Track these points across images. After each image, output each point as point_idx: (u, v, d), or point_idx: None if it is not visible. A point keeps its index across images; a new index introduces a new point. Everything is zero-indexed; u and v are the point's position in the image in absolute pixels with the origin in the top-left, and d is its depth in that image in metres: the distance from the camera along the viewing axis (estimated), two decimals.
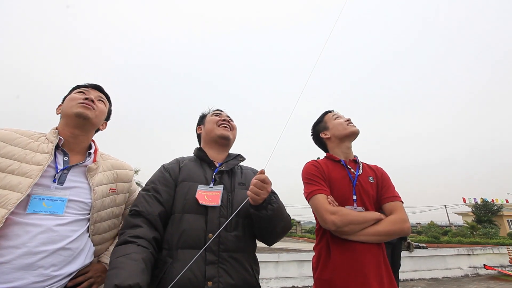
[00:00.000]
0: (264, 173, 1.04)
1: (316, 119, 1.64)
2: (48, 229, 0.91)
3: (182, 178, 1.17)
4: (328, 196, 1.27)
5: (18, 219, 0.89)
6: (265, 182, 1.03)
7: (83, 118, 1.10)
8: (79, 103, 1.11)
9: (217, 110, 1.44)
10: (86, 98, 1.13)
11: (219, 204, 1.09)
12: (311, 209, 1.32)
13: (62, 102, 1.17)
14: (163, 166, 1.25)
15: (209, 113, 1.45)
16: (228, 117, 1.41)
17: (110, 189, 1.16)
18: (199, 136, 1.46)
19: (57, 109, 1.18)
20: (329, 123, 1.54)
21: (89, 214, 1.05)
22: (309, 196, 1.31)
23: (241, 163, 1.35)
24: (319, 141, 1.60)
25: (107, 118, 1.32)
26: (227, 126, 1.35)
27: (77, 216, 1.01)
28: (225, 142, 1.34)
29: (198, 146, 1.39)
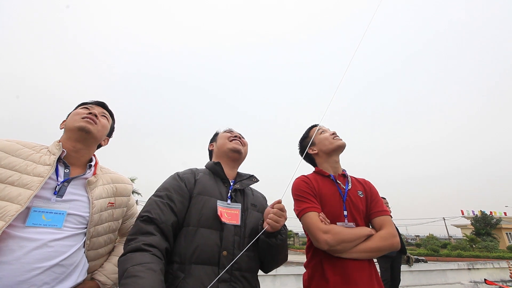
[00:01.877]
0: (281, 203, 1.08)
1: (302, 135, 1.63)
2: (44, 244, 0.88)
3: (198, 191, 1.14)
4: (320, 214, 1.26)
5: (14, 233, 0.86)
6: (283, 210, 1.07)
7: (85, 132, 1.10)
8: (83, 118, 1.12)
9: (229, 128, 1.48)
10: (90, 113, 1.15)
11: (239, 223, 1.10)
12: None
13: (66, 118, 1.19)
14: (177, 174, 1.21)
15: (221, 131, 1.49)
16: (240, 134, 1.45)
17: (109, 203, 1.14)
18: (210, 152, 1.49)
19: (61, 124, 1.19)
20: (315, 138, 1.53)
21: (86, 228, 1.03)
22: (300, 213, 1.28)
23: (250, 186, 1.36)
24: (307, 157, 1.58)
25: (110, 135, 1.33)
26: (239, 141, 1.39)
27: (74, 230, 0.98)
28: (237, 156, 1.35)
29: (213, 161, 1.37)
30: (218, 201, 1.12)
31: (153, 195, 1.10)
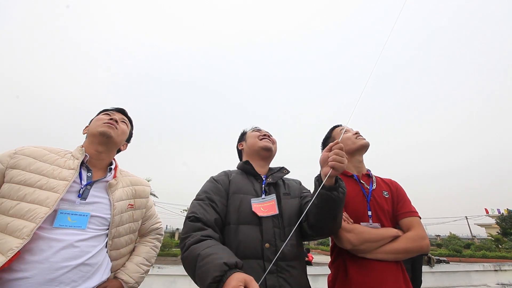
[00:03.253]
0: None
1: (324, 135, 1.63)
2: (70, 244, 0.94)
3: (234, 190, 1.19)
4: (343, 214, 1.23)
5: (43, 234, 0.92)
6: (343, 150, 1.00)
7: (106, 137, 1.18)
8: (104, 123, 1.20)
9: (256, 127, 1.52)
10: (111, 119, 1.23)
11: (277, 212, 1.12)
12: None
13: (89, 123, 1.27)
14: (212, 178, 1.27)
15: (249, 130, 1.53)
16: (268, 132, 1.47)
17: (129, 204, 1.20)
18: (240, 152, 1.52)
19: (84, 129, 1.28)
20: (337, 138, 1.50)
21: (108, 229, 1.08)
22: None
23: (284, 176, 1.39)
24: None
25: (128, 140, 1.40)
26: (268, 139, 1.42)
27: (97, 231, 1.04)
28: (268, 154, 1.38)
29: (243, 160, 1.42)
30: (251, 198, 1.16)
31: (195, 199, 1.16)
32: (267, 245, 1.04)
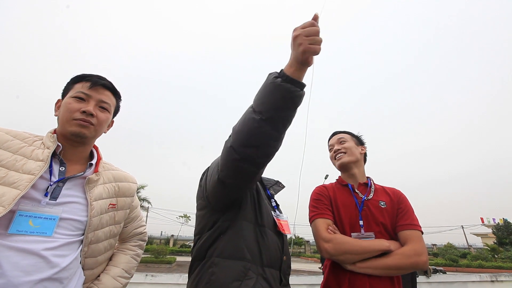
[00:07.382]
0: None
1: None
2: (34, 254, 0.76)
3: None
4: (330, 226, 1.21)
5: None
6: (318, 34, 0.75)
7: (80, 138, 0.96)
8: (76, 120, 0.94)
9: None
10: (84, 112, 0.95)
11: (291, 234, 1.14)
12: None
13: (62, 98, 1.01)
14: None
15: None
16: None
17: (110, 204, 1.01)
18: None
19: (55, 106, 1.02)
20: (332, 146, 1.54)
21: (83, 234, 0.91)
22: (310, 220, 1.30)
23: None
24: None
25: (115, 114, 1.14)
26: None
27: (69, 238, 0.86)
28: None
29: None
30: (271, 211, 1.12)
31: None
32: (285, 257, 1.04)
